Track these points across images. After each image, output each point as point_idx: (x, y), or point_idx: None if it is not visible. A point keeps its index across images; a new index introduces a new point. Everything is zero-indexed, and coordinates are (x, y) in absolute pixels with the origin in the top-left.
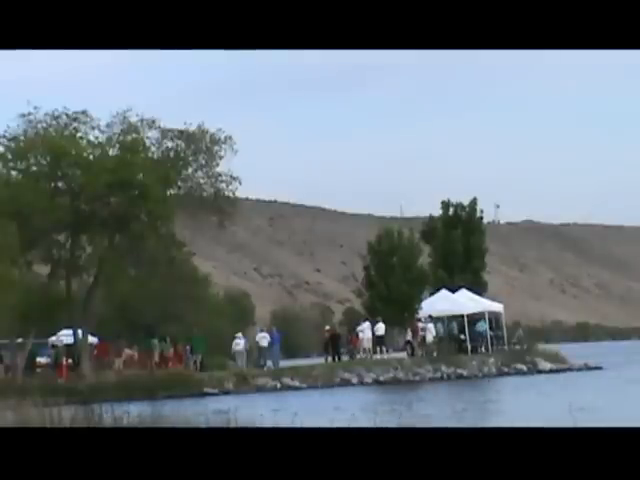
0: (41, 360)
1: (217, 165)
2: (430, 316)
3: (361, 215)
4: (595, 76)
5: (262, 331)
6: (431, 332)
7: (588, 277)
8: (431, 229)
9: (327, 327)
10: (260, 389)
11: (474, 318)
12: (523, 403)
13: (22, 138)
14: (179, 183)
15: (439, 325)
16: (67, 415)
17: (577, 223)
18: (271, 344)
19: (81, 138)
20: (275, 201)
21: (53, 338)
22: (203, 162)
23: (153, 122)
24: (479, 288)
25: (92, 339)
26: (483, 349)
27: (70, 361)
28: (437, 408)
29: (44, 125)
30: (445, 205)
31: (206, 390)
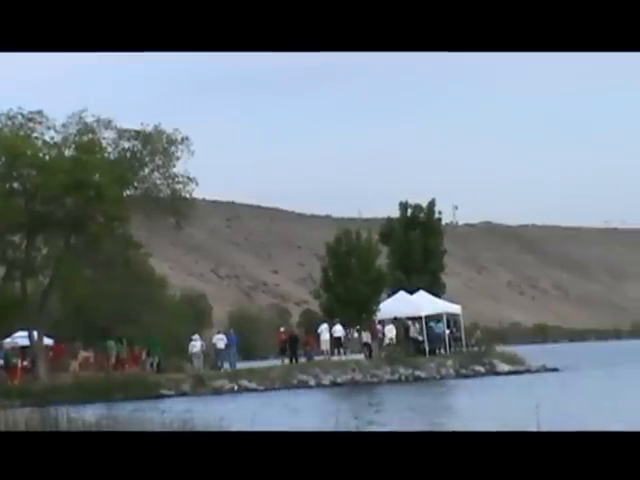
0: None
1: (174, 166)
2: (396, 318)
3: (319, 216)
4: (554, 78)
5: (219, 333)
6: (391, 333)
7: (546, 278)
8: (389, 230)
9: (281, 329)
10: (217, 391)
11: (432, 319)
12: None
13: None
14: (136, 184)
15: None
16: (22, 418)
17: (535, 224)
18: (228, 346)
19: (36, 138)
20: (232, 202)
21: (8, 340)
22: (160, 163)
23: (109, 122)
24: (437, 289)
25: (48, 341)
26: (441, 351)
27: (25, 363)
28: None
29: None
30: (403, 206)
31: (162, 392)
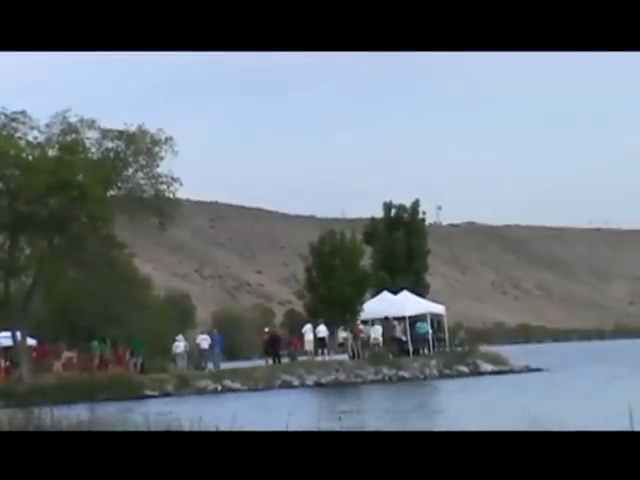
0: None
1: (157, 166)
2: (386, 317)
3: (303, 216)
4: (539, 78)
5: (203, 333)
6: (376, 334)
7: (530, 279)
8: (373, 231)
9: (266, 329)
10: (201, 391)
11: (416, 320)
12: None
13: None
14: (119, 184)
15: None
16: (5, 418)
17: (518, 225)
18: (212, 346)
19: (20, 138)
20: (216, 202)
21: None
22: (143, 163)
23: (93, 122)
24: (421, 290)
25: (31, 341)
26: (425, 351)
27: (8, 363)
28: None
29: None
30: (387, 207)
31: (146, 392)
